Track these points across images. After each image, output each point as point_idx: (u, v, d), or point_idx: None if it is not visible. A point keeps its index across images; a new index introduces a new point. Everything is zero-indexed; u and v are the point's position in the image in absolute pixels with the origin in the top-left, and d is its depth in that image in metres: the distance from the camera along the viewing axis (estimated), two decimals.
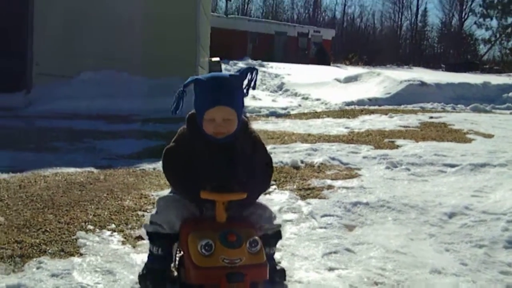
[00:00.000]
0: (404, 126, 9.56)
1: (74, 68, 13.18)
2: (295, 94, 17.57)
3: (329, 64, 38.60)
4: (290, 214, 4.45)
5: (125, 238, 3.80)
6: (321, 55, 44.42)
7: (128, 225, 4.06)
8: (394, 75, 18.77)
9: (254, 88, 3.04)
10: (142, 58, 13.35)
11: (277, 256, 3.35)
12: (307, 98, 16.55)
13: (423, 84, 16.72)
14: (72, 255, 3.44)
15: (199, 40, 14.84)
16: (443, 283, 3.25)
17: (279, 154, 6.58)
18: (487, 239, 3.98)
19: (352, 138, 8.06)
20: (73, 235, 3.75)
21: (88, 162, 6.32)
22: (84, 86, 12.86)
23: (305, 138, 8.10)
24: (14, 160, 6.25)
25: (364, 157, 6.57)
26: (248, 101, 2.88)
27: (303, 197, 4.92)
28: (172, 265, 3.05)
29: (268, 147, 3.16)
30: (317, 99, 16.05)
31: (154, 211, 3.03)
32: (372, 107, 13.90)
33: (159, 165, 3.11)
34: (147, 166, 6.07)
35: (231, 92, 2.88)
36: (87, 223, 4.00)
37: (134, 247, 3.65)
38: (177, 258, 3.04)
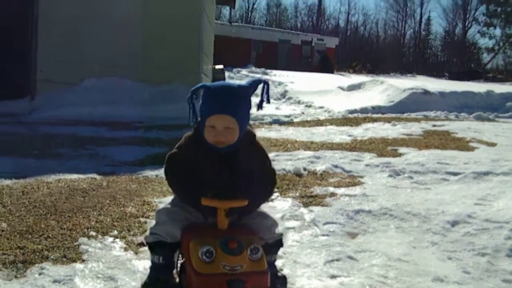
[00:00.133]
0: (407, 134, 9.56)
1: (77, 75, 13.21)
2: (298, 102, 17.61)
3: (332, 72, 38.68)
4: (293, 222, 4.45)
5: (127, 244, 3.80)
6: (324, 63, 44.52)
7: (131, 231, 4.06)
8: (397, 83, 18.78)
9: (268, 101, 3.03)
10: (146, 65, 13.37)
11: (279, 263, 3.34)
12: (310, 106, 16.57)
13: (426, 92, 16.72)
14: (74, 261, 3.44)
15: (203, 48, 14.86)
16: None
17: (282, 162, 6.58)
18: (490, 248, 3.97)
19: (355, 146, 8.06)
20: (75, 241, 3.75)
21: (91, 168, 6.33)
22: (87, 93, 12.89)
23: (308, 145, 8.10)
24: (17, 166, 6.26)
25: (367, 165, 6.57)
26: (251, 109, 2.89)
27: (306, 205, 4.92)
28: (174, 271, 3.05)
29: (271, 155, 3.16)
30: (320, 107, 16.07)
31: (153, 222, 3.00)
32: (375, 115, 13.90)
33: (161, 172, 3.11)
34: (150, 173, 6.07)
35: (234, 101, 2.84)
36: (89, 230, 4.01)
37: (136, 253, 3.65)
38: (179, 265, 3.02)
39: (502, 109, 16.05)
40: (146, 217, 4.40)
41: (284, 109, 15.43)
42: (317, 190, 5.43)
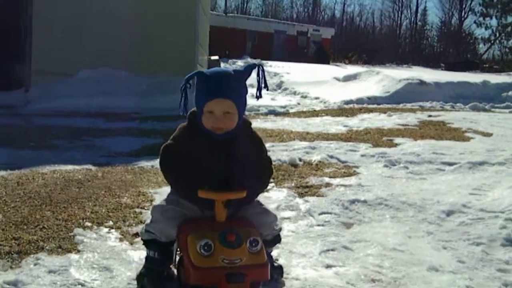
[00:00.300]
0: (403, 125, 9.56)
1: (72, 66, 13.17)
2: (294, 93, 17.57)
3: (328, 63, 38.60)
4: (288, 212, 4.45)
5: (122, 235, 3.80)
6: (320, 54, 44.44)
7: (126, 222, 4.06)
8: (393, 74, 18.77)
9: (266, 87, 3.01)
10: (141, 57, 13.35)
11: (274, 253, 3.34)
12: (306, 97, 16.55)
13: (422, 83, 16.72)
14: (70, 251, 3.44)
15: (198, 39, 14.84)
16: (441, 281, 3.25)
17: (278, 152, 6.58)
18: (485, 237, 3.98)
19: (351, 136, 8.06)
20: (70, 232, 3.74)
21: (86, 159, 6.32)
22: (82, 84, 12.86)
23: (304, 136, 8.09)
24: (12, 157, 6.25)
25: (362, 155, 6.57)
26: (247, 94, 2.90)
27: (301, 195, 4.92)
28: (173, 265, 3.04)
29: (267, 145, 3.14)
30: (316, 98, 16.04)
31: (149, 219, 2.98)
32: (371, 106, 13.90)
33: (157, 162, 3.11)
34: (145, 164, 6.07)
35: (233, 86, 2.82)
36: (84, 220, 4.00)
37: (131, 244, 3.64)
38: (177, 258, 3.00)
39: (498, 100, 16.06)
40: (141, 208, 4.40)
41: (279, 100, 15.41)
42: (313, 180, 5.43)
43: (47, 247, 3.46)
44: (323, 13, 78.75)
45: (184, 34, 14.14)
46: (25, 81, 13.28)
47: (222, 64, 21.79)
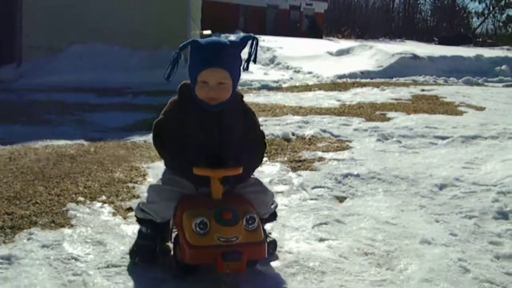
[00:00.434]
0: (396, 99, 9.55)
1: (64, 41, 13.09)
2: (287, 67, 17.50)
3: (321, 37, 38.40)
4: (281, 186, 4.46)
5: (115, 209, 3.80)
6: (313, 28, 44.21)
7: (119, 196, 4.05)
8: (386, 48, 18.73)
9: (255, 61, 2.96)
10: (133, 31, 13.28)
11: (267, 227, 3.34)
12: (299, 71, 16.48)
13: (415, 57, 16.69)
14: (63, 226, 3.44)
15: (190, 13, 14.74)
16: (433, 253, 3.26)
17: (270, 127, 6.57)
18: (477, 210, 4.00)
19: (344, 111, 8.05)
20: (63, 207, 3.74)
21: (79, 134, 6.31)
22: (74, 59, 12.80)
23: (297, 110, 8.08)
24: (4, 133, 6.22)
25: (355, 130, 6.57)
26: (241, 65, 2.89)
27: (294, 169, 4.93)
28: (168, 243, 3.02)
29: (260, 120, 3.13)
30: (309, 72, 15.98)
31: (144, 199, 2.95)
32: (364, 80, 13.86)
33: (149, 137, 3.09)
34: (138, 139, 6.06)
35: (228, 55, 2.78)
36: (77, 195, 4.00)
37: (124, 218, 3.64)
38: (173, 236, 2.96)
39: (491, 74, 16.07)
40: (134, 183, 4.39)
41: (272, 75, 15.34)
42: (306, 154, 5.43)
43: (40, 222, 3.46)
44: None
45: (176, 8, 14.05)
46: (16, 56, 13.18)
47: None
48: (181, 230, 2.69)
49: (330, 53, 19.54)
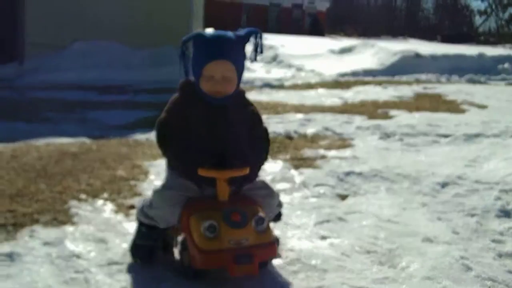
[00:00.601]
0: (398, 97, 9.55)
1: (67, 38, 13.08)
2: (289, 66, 17.47)
3: (323, 36, 38.42)
4: (283, 184, 4.45)
5: (117, 207, 3.79)
6: (315, 27, 44.22)
7: (121, 194, 4.05)
8: (389, 46, 18.70)
9: (261, 52, 2.93)
10: (135, 29, 13.26)
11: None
12: (301, 69, 16.46)
13: (418, 55, 16.65)
14: (65, 224, 3.43)
15: (192, 11, 14.73)
16: (435, 251, 3.25)
17: (273, 125, 6.56)
18: (480, 208, 3.99)
19: (346, 109, 8.05)
20: (65, 204, 3.74)
21: (81, 132, 6.31)
22: (77, 57, 12.78)
23: (299, 108, 8.08)
24: (6, 130, 6.23)
25: (357, 128, 6.57)
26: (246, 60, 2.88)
27: (296, 167, 4.92)
28: (175, 249, 2.95)
29: (262, 118, 3.11)
30: (311, 70, 15.96)
31: (148, 202, 2.88)
32: (366, 78, 13.84)
33: (151, 135, 3.08)
34: (140, 136, 6.06)
35: (233, 48, 2.76)
36: (79, 193, 3.99)
37: (126, 216, 3.64)
38: (179, 242, 2.78)
39: (494, 72, 16.01)
40: (136, 180, 4.39)
41: (274, 73, 15.34)
42: (308, 152, 5.42)
43: (42, 220, 3.46)
44: None
45: (178, 7, 14.04)
46: (19, 54, 13.18)
47: None
48: (189, 235, 2.61)
49: (333, 51, 19.54)
